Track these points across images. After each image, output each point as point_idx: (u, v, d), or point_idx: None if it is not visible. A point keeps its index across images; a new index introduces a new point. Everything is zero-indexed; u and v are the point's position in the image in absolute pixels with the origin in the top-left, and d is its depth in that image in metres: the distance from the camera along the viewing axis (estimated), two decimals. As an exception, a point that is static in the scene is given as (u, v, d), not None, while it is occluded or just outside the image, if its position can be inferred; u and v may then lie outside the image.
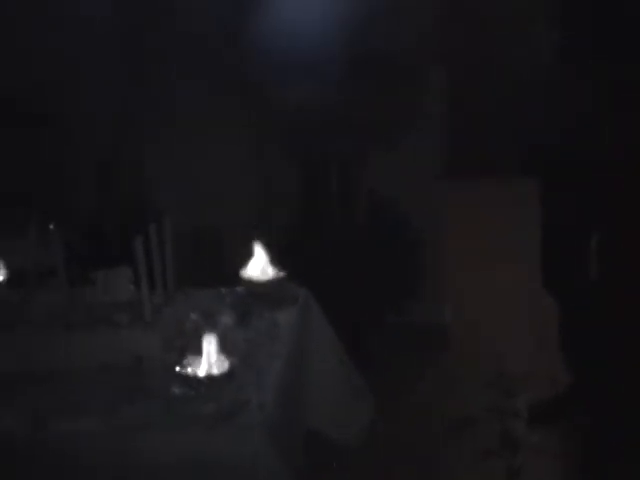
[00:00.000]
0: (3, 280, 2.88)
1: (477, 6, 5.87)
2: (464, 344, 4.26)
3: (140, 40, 3.87)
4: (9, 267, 2.90)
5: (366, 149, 3.87)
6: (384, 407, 3.14)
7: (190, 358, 2.39)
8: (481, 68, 5.87)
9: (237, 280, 2.85)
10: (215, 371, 2.36)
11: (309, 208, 3.87)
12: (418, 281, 4.09)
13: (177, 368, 2.37)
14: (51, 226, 2.63)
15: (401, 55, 4.01)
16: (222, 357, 2.39)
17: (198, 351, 2.38)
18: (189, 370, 2.37)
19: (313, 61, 3.58)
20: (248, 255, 2.87)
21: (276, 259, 2.88)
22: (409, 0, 4.04)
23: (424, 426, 3.64)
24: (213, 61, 3.79)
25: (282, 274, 2.88)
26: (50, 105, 3.86)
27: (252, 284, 2.86)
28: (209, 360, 2.37)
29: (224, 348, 2.41)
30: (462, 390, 3.81)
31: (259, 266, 2.87)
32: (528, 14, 3.70)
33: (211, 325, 2.55)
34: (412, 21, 4.06)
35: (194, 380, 2.34)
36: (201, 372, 2.36)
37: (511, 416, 2.90)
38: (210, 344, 2.38)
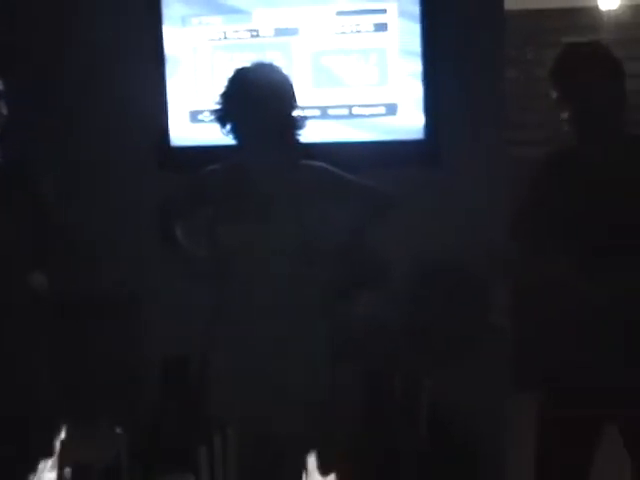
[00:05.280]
0: (67, 474, 2.93)
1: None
2: None
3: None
4: (76, 462, 2.96)
5: (431, 363, 3.90)
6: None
7: None
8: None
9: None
10: None
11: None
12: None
13: None
14: (118, 430, 2.72)
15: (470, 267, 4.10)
16: None
17: None
18: None
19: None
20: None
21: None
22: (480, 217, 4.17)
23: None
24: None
25: None
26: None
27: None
28: None
29: None
30: None
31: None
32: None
33: None
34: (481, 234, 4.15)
35: None
36: None
37: None
38: None
